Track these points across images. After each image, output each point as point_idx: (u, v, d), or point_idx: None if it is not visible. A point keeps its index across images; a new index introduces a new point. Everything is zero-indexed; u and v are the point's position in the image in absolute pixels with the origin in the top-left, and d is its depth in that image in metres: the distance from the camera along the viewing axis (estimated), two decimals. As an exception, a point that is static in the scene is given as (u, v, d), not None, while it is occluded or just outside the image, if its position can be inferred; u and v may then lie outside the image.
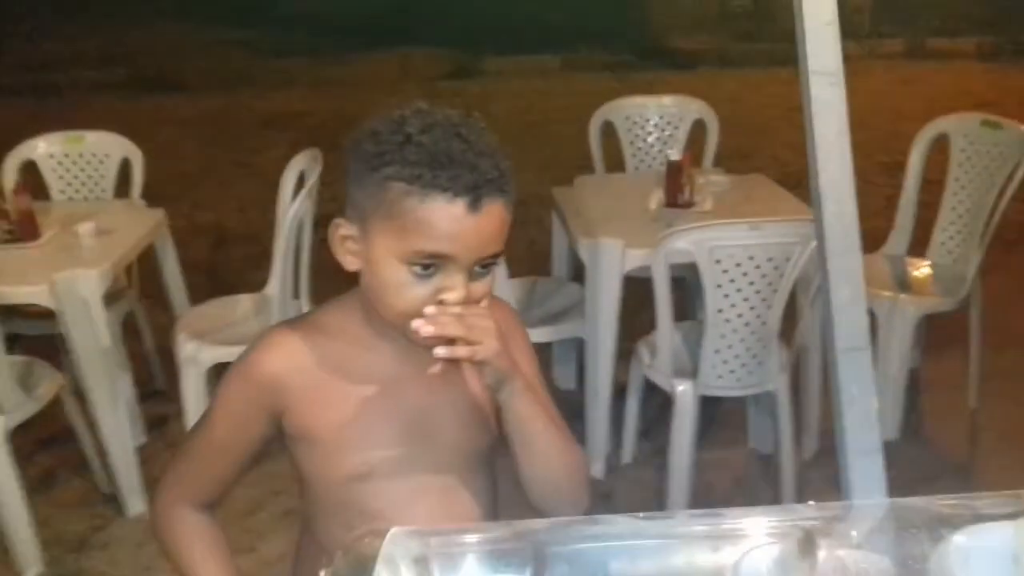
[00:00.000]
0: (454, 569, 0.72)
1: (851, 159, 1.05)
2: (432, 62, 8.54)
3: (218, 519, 1.22)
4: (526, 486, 1.11)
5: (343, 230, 1.04)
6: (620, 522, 0.83)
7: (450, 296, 0.98)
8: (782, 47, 9.46)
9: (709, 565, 0.73)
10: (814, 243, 2.25)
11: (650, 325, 2.58)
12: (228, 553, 1.20)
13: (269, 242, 2.85)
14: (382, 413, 1.10)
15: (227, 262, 4.54)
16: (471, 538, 0.81)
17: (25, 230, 2.74)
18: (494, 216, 0.98)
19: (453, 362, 1.01)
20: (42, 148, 3.25)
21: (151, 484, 2.84)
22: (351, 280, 1.10)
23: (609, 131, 3.58)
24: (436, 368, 1.02)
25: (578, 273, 3.20)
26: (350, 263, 1.05)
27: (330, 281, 1.25)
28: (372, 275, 1.03)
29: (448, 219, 0.96)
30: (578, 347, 3.08)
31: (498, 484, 1.21)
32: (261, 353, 1.11)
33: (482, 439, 1.14)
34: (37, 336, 2.99)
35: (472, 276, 1.00)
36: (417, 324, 0.97)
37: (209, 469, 1.17)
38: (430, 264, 0.98)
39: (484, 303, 1.04)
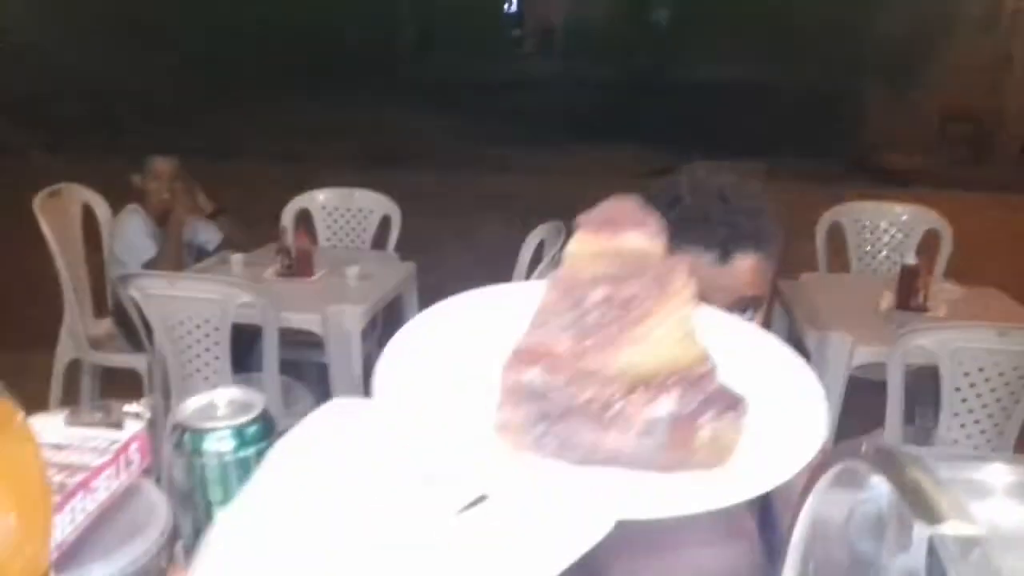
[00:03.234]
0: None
1: None
2: (639, 159, 8.84)
3: None
4: None
5: None
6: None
7: None
8: (1003, 172, 9.15)
9: None
10: (1065, 356, 2.24)
11: (861, 426, 2.58)
12: None
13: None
14: None
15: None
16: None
17: (302, 267, 3.12)
18: (746, 267, 1.10)
19: None
20: (320, 199, 3.69)
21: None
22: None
23: (831, 233, 3.64)
24: None
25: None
26: None
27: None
28: None
29: (698, 270, 1.10)
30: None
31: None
32: None
33: None
34: (286, 361, 3.35)
35: None
36: None
37: None
38: None
39: None
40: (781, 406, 0.41)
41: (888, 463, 0.43)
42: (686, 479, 0.36)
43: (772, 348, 0.47)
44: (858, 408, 2.61)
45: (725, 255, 1.10)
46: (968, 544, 0.33)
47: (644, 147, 8.98)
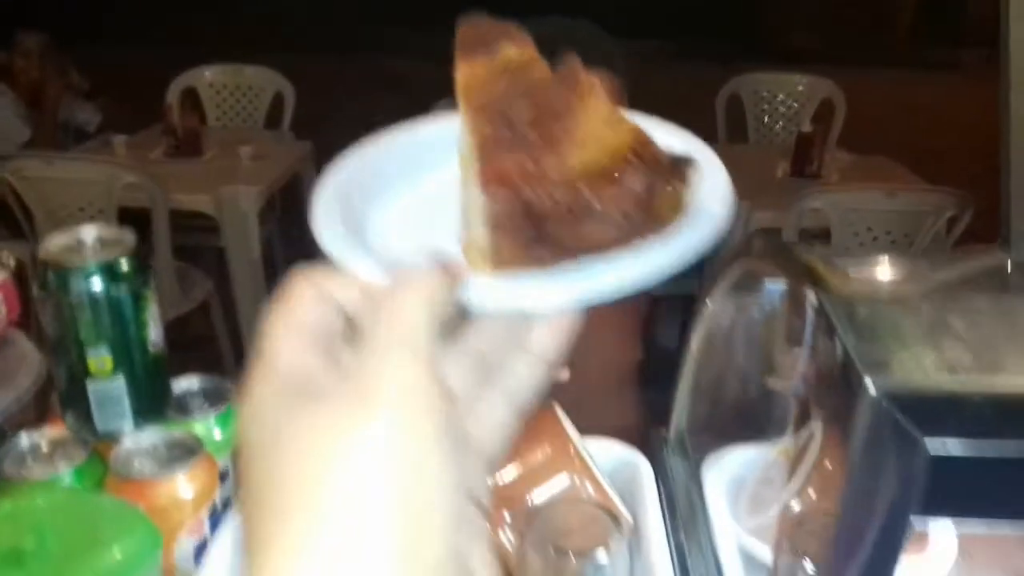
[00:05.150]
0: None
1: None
2: (541, 39, 8.68)
3: None
4: None
5: None
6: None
7: None
8: (897, 49, 9.37)
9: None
10: (948, 214, 2.34)
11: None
12: None
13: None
14: None
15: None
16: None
17: (191, 147, 2.97)
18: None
19: None
20: (207, 76, 3.49)
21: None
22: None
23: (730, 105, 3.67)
24: None
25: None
26: None
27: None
28: None
29: None
30: (683, 306, 3.18)
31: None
32: None
33: None
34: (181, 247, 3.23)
35: None
36: None
37: None
38: None
39: None
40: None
41: (779, 250, 0.43)
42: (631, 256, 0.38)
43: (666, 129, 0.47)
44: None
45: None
46: (851, 303, 0.32)
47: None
